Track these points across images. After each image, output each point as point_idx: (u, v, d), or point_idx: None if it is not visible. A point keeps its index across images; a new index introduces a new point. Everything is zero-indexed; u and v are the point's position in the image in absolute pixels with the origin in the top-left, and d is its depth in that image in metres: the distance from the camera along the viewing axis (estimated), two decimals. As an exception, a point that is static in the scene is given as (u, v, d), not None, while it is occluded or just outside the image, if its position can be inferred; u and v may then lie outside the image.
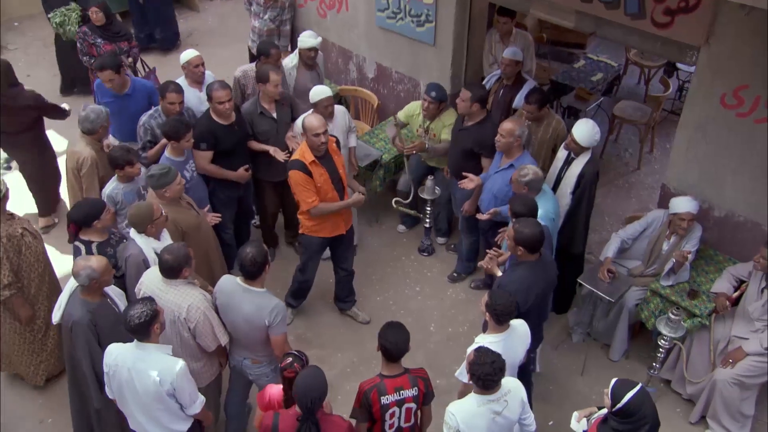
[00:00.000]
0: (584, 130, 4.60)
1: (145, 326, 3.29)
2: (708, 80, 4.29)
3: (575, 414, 3.51)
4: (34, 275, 4.37)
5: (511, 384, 3.29)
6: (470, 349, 3.47)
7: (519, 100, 5.48)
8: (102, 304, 3.75)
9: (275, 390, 3.49)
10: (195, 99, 5.28)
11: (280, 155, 5.00)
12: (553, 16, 4.86)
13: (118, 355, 3.41)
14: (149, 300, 3.39)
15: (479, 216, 4.80)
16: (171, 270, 3.67)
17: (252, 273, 3.67)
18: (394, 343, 3.34)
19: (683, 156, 4.66)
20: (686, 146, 4.60)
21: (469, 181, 4.86)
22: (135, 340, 3.37)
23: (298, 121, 5.14)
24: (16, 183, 6.04)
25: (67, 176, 4.87)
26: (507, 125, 4.54)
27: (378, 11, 6.03)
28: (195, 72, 5.35)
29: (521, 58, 5.59)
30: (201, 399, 3.54)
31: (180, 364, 3.38)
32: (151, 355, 3.36)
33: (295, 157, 4.59)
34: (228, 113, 4.85)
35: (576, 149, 4.67)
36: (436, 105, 5.13)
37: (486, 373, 3.10)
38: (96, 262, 3.65)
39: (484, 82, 5.88)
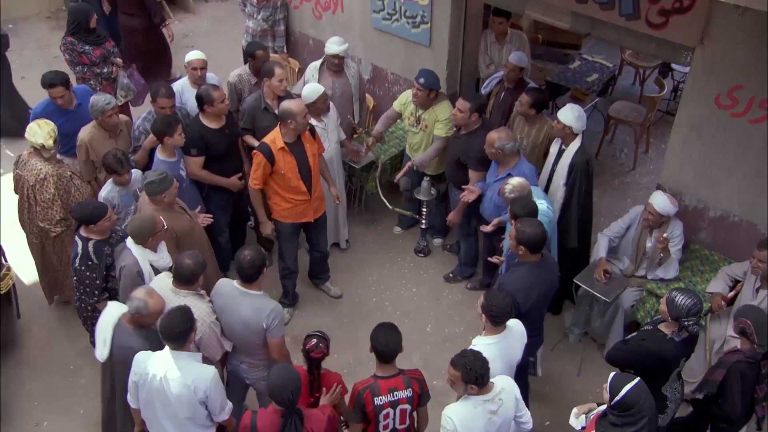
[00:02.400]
0: (567, 111, 4.64)
1: (185, 334, 3.30)
2: (702, 81, 4.30)
3: (574, 410, 3.52)
4: None
5: (503, 383, 3.30)
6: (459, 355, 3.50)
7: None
8: (153, 331, 3.65)
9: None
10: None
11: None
12: (549, 17, 4.87)
13: (149, 363, 3.37)
14: (186, 308, 3.38)
15: (482, 228, 4.79)
16: (189, 276, 3.68)
17: (250, 276, 3.65)
18: (385, 344, 3.35)
19: (678, 156, 4.67)
20: (681, 146, 4.61)
21: (470, 193, 4.85)
22: (167, 347, 3.34)
23: None
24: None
25: None
26: (490, 135, 4.54)
27: (373, 12, 6.03)
28: (194, 75, 5.34)
29: (526, 64, 5.58)
30: (230, 406, 3.53)
31: (213, 371, 3.36)
32: (185, 363, 3.33)
33: (265, 140, 4.63)
34: (225, 112, 4.89)
35: (561, 131, 4.69)
36: (425, 93, 5.04)
37: (475, 370, 3.11)
38: (154, 303, 3.52)
39: (484, 85, 5.84)
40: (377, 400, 3.33)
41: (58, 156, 4.79)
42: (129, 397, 3.55)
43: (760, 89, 4.05)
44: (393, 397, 3.35)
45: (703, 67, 4.25)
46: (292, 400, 3.12)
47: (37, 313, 5.17)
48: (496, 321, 3.48)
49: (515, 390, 3.34)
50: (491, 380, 3.23)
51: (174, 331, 3.26)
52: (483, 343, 3.45)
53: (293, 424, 3.13)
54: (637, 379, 3.10)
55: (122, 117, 5.18)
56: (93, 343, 4.58)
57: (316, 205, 4.93)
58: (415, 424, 3.59)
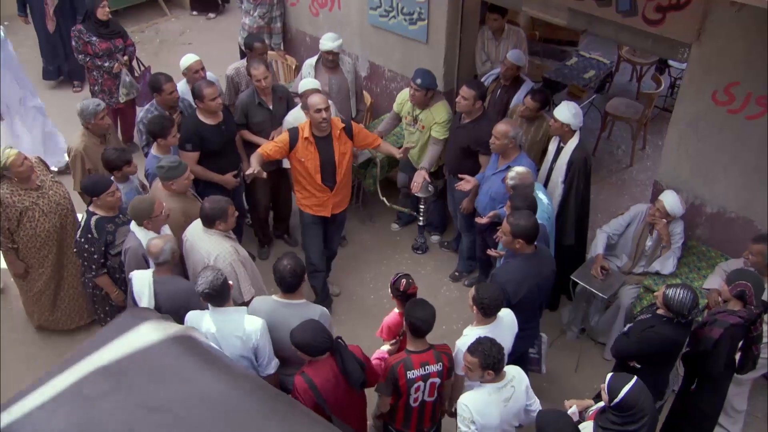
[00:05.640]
0: (563, 108, 4.66)
1: (225, 288, 3.45)
2: (699, 77, 4.30)
3: (573, 409, 3.54)
4: (32, 245, 4.59)
5: (514, 371, 3.39)
6: (458, 342, 3.57)
7: (517, 100, 5.44)
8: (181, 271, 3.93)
9: (391, 318, 3.83)
10: None
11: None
12: (546, 13, 4.87)
13: (203, 321, 3.50)
14: (213, 267, 3.54)
15: (478, 219, 4.80)
16: (206, 218, 3.94)
17: (292, 285, 3.59)
18: (422, 319, 3.41)
19: (675, 152, 4.67)
20: (678, 143, 4.62)
21: (466, 183, 4.85)
22: (210, 306, 3.47)
23: (288, 117, 5.17)
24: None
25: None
26: (500, 127, 4.53)
27: (370, 9, 6.03)
28: (195, 78, 5.28)
29: (524, 64, 5.58)
30: (276, 361, 3.62)
31: (261, 321, 3.50)
32: (233, 317, 3.49)
33: (298, 125, 4.68)
34: (217, 110, 4.85)
35: (558, 129, 4.70)
36: (422, 93, 5.04)
37: (493, 356, 3.20)
38: (167, 236, 3.88)
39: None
40: (410, 374, 3.41)
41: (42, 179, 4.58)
42: None
43: (757, 85, 4.06)
44: (425, 371, 3.45)
45: (700, 64, 4.25)
46: (328, 339, 3.31)
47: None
48: (486, 312, 3.52)
49: (525, 378, 3.43)
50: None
51: (216, 286, 3.40)
52: (473, 334, 3.49)
53: (344, 354, 3.34)
54: (635, 378, 3.11)
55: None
56: (97, 321, 4.72)
57: (337, 202, 4.91)
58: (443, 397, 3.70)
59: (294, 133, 4.63)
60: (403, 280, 3.74)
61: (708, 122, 4.39)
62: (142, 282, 3.80)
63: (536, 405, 3.49)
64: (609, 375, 3.17)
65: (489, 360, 3.19)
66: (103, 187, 4.21)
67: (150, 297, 3.75)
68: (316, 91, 5.01)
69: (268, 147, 4.69)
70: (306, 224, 5.00)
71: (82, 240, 4.22)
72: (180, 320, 3.69)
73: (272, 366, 3.60)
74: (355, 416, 3.62)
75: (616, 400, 3.05)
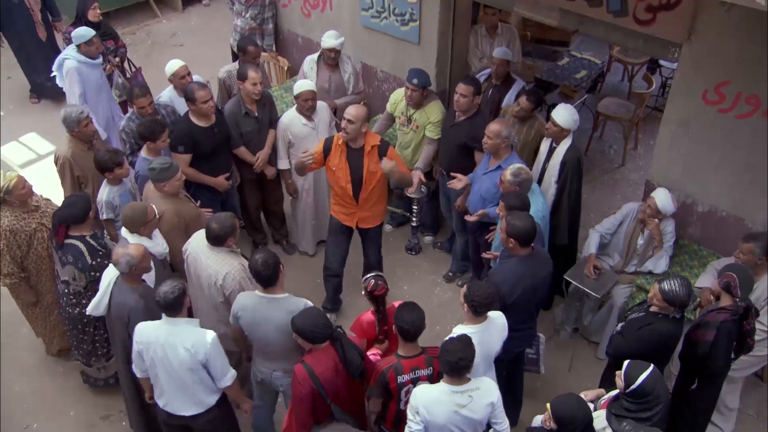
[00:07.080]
0: (563, 113, 4.65)
1: (179, 301, 3.41)
2: (690, 77, 4.32)
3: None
4: (44, 266, 4.47)
5: (482, 384, 3.29)
6: (445, 340, 3.51)
7: (509, 99, 5.48)
8: (146, 288, 3.85)
9: (366, 316, 3.79)
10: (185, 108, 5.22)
11: (267, 169, 5.28)
12: (537, 13, 4.88)
13: (149, 333, 3.48)
14: (176, 277, 3.52)
15: (467, 217, 4.80)
16: (216, 238, 3.84)
17: (269, 278, 3.58)
18: (410, 323, 3.39)
19: (666, 152, 4.69)
20: (669, 142, 4.64)
21: (458, 181, 4.86)
22: (164, 316, 3.45)
23: (283, 119, 5.18)
24: None
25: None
26: (493, 126, 4.53)
27: (362, 10, 6.02)
28: (182, 83, 5.24)
29: (512, 57, 5.61)
30: (232, 372, 3.59)
31: (211, 335, 3.46)
32: (183, 329, 3.45)
33: (336, 134, 4.69)
34: (209, 112, 4.82)
35: (556, 133, 4.70)
36: (419, 92, 5.06)
37: (448, 356, 3.15)
38: (134, 249, 3.72)
39: None
40: (400, 378, 3.41)
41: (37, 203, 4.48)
42: (134, 367, 3.65)
43: (747, 85, 4.08)
44: (414, 375, 3.44)
45: (691, 63, 4.27)
46: (329, 326, 3.38)
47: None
48: (477, 311, 3.50)
49: (493, 395, 3.30)
50: (471, 377, 3.25)
51: (168, 298, 3.36)
52: (461, 332, 3.46)
53: (345, 342, 3.40)
54: (652, 366, 3.13)
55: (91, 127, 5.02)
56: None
57: (363, 217, 4.88)
58: None
59: (329, 140, 4.64)
60: (372, 281, 3.71)
61: (699, 121, 4.41)
62: (107, 278, 3.85)
63: (504, 425, 3.37)
64: (626, 362, 3.18)
65: (443, 355, 3.17)
66: (87, 208, 4.10)
67: (105, 293, 3.83)
68: (312, 92, 5.03)
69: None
70: (332, 229, 5.00)
71: (98, 260, 4.11)
72: (122, 326, 3.79)
73: (228, 378, 3.57)
74: (357, 407, 3.65)
75: (633, 386, 3.07)
